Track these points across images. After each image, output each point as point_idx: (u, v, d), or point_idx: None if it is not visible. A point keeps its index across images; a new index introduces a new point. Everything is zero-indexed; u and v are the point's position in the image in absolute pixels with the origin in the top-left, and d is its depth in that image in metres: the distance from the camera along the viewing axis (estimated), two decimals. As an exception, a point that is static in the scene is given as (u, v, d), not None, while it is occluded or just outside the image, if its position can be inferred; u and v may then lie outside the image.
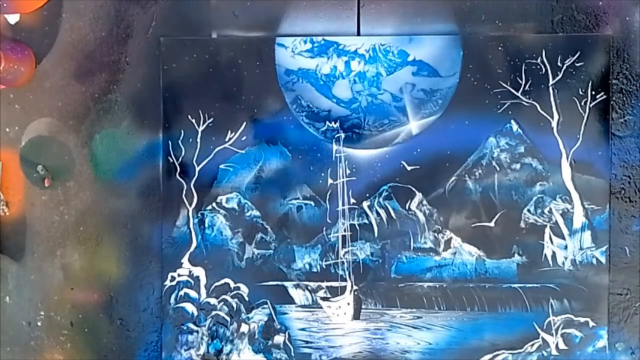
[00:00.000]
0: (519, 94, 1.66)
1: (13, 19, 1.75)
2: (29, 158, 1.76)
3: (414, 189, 1.69)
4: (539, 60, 1.66)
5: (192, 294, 1.72)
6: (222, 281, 1.72)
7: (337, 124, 1.70)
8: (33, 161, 1.76)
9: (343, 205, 1.70)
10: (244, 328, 1.71)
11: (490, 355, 1.67)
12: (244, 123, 1.71)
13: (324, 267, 1.70)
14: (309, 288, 1.71)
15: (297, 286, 1.71)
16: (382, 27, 1.70)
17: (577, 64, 1.65)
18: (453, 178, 1.68)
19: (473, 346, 1.67)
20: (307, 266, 1.71)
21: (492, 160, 1.68)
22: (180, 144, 1.72)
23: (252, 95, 1.71)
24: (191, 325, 1.72)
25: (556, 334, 1.65)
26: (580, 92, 1.65)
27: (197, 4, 1.72)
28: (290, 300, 1.71)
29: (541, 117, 1.66)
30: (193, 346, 1.72)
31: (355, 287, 1.70)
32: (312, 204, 1.71)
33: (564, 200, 1.66)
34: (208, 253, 1.72)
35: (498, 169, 1.68)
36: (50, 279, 1.75)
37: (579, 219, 1.66)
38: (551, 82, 1.66)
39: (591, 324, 1.65)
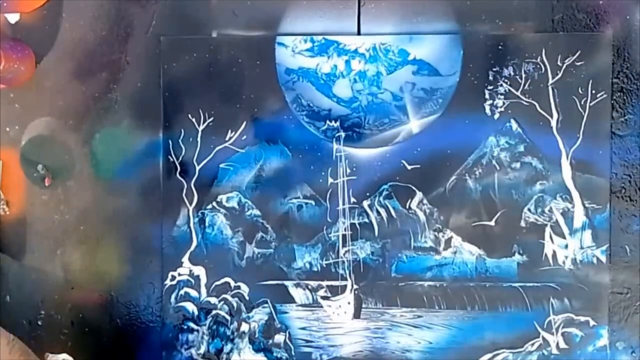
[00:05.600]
0: (518, 93, 1.67)
1: (13, 18, 1.75)
2: (29, 157, 1.76)
3: (414, 188, 1.69)
4: (538, 60, 1.66)
5: (193, 293, 1.72)
6: (223, 280, 1.72)
7: (338, 123, 1.70)
8: (33, 160, 1.76)
9: (343, 204, 1.70)
10: (245, 327, 1.72)
11: (490, 354, 1.67)
12: (244, 122, 1.71)
13: (325, 266, 1.70)
14: (310, 287, 1.71)
15: (297, 285, 1.71)
16: (383, 27, 1.70)
17: (577, 63, 1.65)
18: (453, 177, 1.68)
19: (473, 345, 1.67)
20: (307, 265, 1.71)
21: (492, 159, 1.68)
22: (180, 143, 1.72)
23: (253, 95, 1.71)
24: (191, 325, 1.72)
25: (557, 333, 1.66)
26: (580, 91, 1.65)
27: (197, 3, 1.72)
28: (291, 300, 1.71)
29: (541, 116, 1.66)
30: (193, 345, 1.72)
31: (355, 286, 1.70)
32: (313, 203, 1.71)
33: (564, 199, 1.66)
34: (208, 252, 1.72)
35: (498, 168, 1.68)
36: (50, 278, 1.75)
37: (579, 218, 1.66)
38: (551, 81, 1.66)
39: (592, 323, 1.65)
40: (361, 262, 1.70)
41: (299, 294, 1.71)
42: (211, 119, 1.72)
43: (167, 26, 1.73)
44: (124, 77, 1.74)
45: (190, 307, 1.72)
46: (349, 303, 1.70)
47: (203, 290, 1.72)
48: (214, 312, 1.72)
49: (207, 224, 1.72)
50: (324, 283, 1.71)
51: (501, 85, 1.67)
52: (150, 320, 1.74)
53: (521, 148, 1.68)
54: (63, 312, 1.75)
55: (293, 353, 1.71)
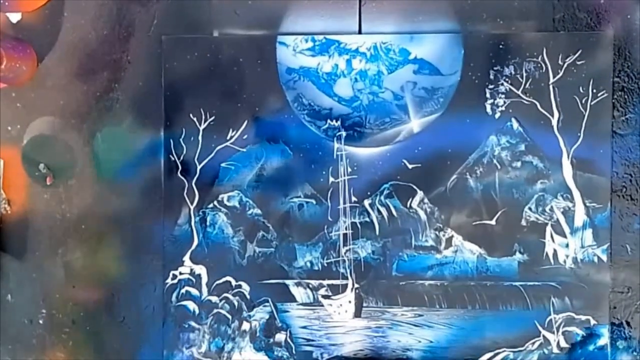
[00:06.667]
0: (519, 92, 1.67)
1: (15, 17, 1.75)
2: (31, 156, 1.76)
3: (415, 187, 1.69)
4: (539, 59, 1.66)
5: (194, 292, 1.72)
6: (224, 279, 1.72)
7: (339, 122, 1.71)
8: (35, 160, 1.76)
9: (344, 203, 1.70)
10: (246, 326, 1.72)
11: (491, 353, 1.67)
12: (246, 121, 1.72)
13: (325, 265, 1.71)
14: (310, 286, 1.71)
15: (298, 284, 1.71)
16: (384, 26, 1.70)
17: (578, 62, 1.65)
18: (454, 176, 1.69)
19: (474, 344, 1.67)
20: (308, 264, 1.71)
21: (493, 158, 1.68)
22: (181, 142, 1.73)
23: (254, 94, 1.72)
24: (192, 323, 1.73)
25: (557, 332, 1.66)
26: (581, 90, 1.65)
27: (199, 2, 1.73)
28: (292, 298, 1.71)
29: (541, 115, 1.66)
30: (194, 344, 1.72)
31: (356, 285, 1.70)
32: (314, 202, 1.71)
33: (565, 198, 1.66)
34: (209, 251, 1.72)
35: (499, 167, 1.68)
36: (51, 277, 1.76)
37: (580, 217, 1.66)
38: (552, 80, 1.66)
39: (592, 322, 1.65)
40: (362, 261, 1.70)
41: (300, 293, 1.71)
42: (212, 118, 1.72)
43: (168, 26, 1.73)
44: (126, 76, 1.74)
45: (192, 305, 1.73)
46: (349, 302, 1.70)
47: (204, 289, 1.72)
48: (215, 310, 1.73)
49: (208, 223, 1.72)
50: (325, 282, 1.71)
51: (502, 84, 1.67)
52: (152, 319, 1.74)
53: (522, 147, 1.68)
54: (64, 311, 1.75)
55: (294, 352, 1.71)
